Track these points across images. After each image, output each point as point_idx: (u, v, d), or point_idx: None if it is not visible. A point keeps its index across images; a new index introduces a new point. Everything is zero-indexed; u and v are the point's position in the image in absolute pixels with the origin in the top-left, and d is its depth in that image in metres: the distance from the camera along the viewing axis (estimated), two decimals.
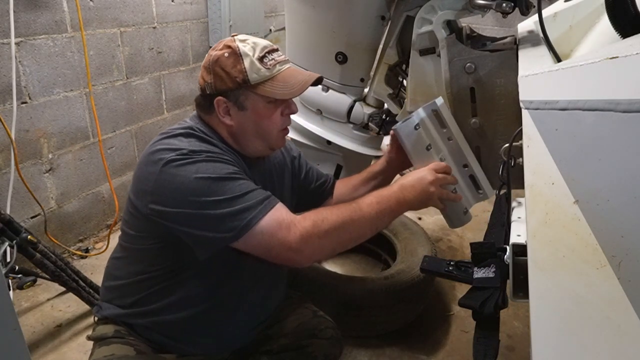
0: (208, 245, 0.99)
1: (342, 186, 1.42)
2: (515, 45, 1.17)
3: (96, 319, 1.18)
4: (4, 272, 1.20)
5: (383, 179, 1.36)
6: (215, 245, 0.99)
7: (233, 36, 1.07)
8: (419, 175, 1.08)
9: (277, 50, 1.08)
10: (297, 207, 1.36)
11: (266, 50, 1.05)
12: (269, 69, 1.04)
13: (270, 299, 1.26)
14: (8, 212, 1.87)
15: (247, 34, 1.14)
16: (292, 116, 1.60)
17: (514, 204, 1.02)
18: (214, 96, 1.05)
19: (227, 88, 1.04)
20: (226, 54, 1.03)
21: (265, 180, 1.18)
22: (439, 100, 1.14)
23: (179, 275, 1.09)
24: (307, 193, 1.35)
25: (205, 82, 1.06)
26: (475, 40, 1.31)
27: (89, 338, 1.16)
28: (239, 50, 1.02)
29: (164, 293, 1.10)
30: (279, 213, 0.98)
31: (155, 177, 0.98)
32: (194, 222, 0.97)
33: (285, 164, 1.30)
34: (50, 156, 2.20)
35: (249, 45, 1.04)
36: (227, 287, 1.14)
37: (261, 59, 1.03)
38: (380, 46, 1.52)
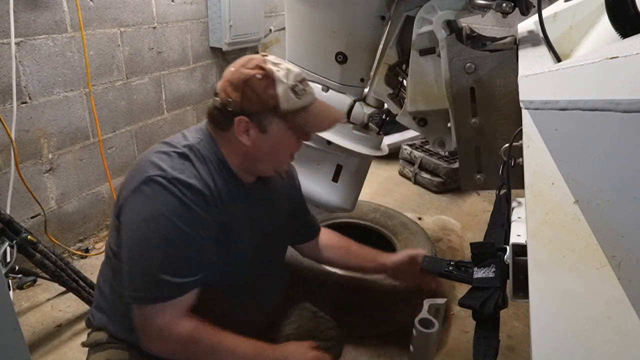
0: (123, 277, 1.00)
1: (338, 239, 1.44)
2: (515, 45, 1.17)
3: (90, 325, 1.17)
4: (4, 272, 1.20)
5: (371, 269, 1.44)
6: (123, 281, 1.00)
7: (264, 56, 1.05)
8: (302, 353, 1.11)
9: (306, 79, 1.07)
10: (289, 237, 1.38)
11: (299, 79, 1.03)
12: (299, 99, 1.02)
13: (268, 304, 1.26)
14: (8, 212, 1.87)
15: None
16: None
17: (514, 204, 1.02)
18: (236, 114, 1.02)
19: (254, 109, 1.01)
20: (258, 76, 0.99)
21: (260, 205, 1.16)
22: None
23: None
24: (300, 221, 1.37)
25: (229, 98, 1.01)
26: (475, 40, 1.31)
27: (83, 345, 1.15)
28: (273, 74, 1.00)
29: None
30: (172, 312, 0.98)
31: (133, 187, 0.98)
32: (129, 250, 0.98)
33: (288, 192, 1.30)
34: (50, 156, 2.20)
35: (283, 70, 1.01)
36: (223, 298, 1.13)
37: (294, 88, 1.01)
38: (380, 46, 1.52)
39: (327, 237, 1.44)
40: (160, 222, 0.95)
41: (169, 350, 0.99)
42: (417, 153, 3.25)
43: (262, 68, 1.00)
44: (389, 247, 2.15)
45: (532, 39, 1.15)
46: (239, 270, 1.13)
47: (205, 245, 1.01)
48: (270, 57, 1.04)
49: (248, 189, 1.12)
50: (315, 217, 1.44)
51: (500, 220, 1.07)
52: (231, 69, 1.04)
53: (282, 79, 1.00)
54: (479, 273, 0.98)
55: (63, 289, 1.81)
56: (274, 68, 1.00)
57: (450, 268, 1.10)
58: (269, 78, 0.99)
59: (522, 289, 0.83)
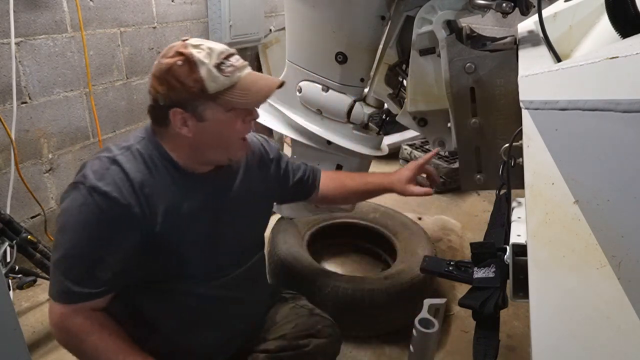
0: None
1: (332, 181, 1.43)
2: (515, 45, 1.17)
3: None
4: (4, 272, 1.21)
5: (375, 194, 1.45)
6: None
7: (184, 40, 0.99)
8: None
9: (234, 54, 1.01)
10: (282, 202, 1.40)
11: (223, 55, 0.97)
12: (227, 76, 0.96)
13: (249, 311, 1.25)
14: (8, 212, 1.87)
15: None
16: (292, 116, 1.61)
17: (514, 204, 1.02)
18: (169, 107, 0.97)
19: (183, 99, 0.96)
20: (179, 62, 0.94)
21: (226, 191, 1.14)
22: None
23: (139, 295, 1.08)
24: (287, 191, 1.35)
25: (157, 92, 0.98)
26: (475, 40, 1.31)
27: None
28: (193, 57, 0.94)
29: (132, 309, 1.09)
30: (69, 309, 1.00)
31: (64, 190, 0.99)
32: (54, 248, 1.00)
33: (261, 166, 1.25)
34: (50, 156, 2.20)
35: (204, 51, 0.95)
36: (199, 305, 1.12)
37: (219, 66, 0.96)
38: (380, 46, 1.52)
39: (322, 184, 1.42)
40: (71, 230, 0.96)
41: (61, 340, 1.02)
42: (417, 153, 3.25)
43: (181, 54, 0.95)
44: (389, 247, 2.15)
45: (532, 39, 1.15)
46: (211, 263, 1.12)
47: (118, 258, 0.98)
48: (192, 40, 0.99)
49: (204, 179, 1.08)
50: (310, 170, 1.40)
51: (500, 220, 1.07)
52: (155, 62, 1.00)
53: (204, 60, 0.94)
54: (479, 273, 0.98)
55: None
56: (194, 51, 0.95)
57: (450, 268, 1.10)
58: (189, 62, 0.94)
59: (522, 289, 0.83)
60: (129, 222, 0.97)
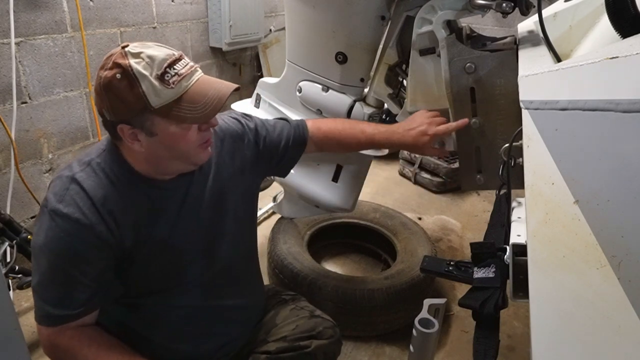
0: None
1: (328, 139, 1.34)
2: (515, 45, 1.17)
3: None
4: (4, 272, 1.21)
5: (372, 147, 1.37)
6: None
7: (123, 47, 0.89)
8: None
9: (180, 59, 0.92)
10: (279, 172, 1.36)
11: (166, 64, 0.88)
12: (172, 88, 0.88)
13: (243, 314, 1.25)
14: (8, 212, 1.87)
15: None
16: (292, 116, 1.61)
17: (514, 204, 1.02)
18: (116, 123, 0.91)
19: (127, 115, 0.89)
20: (118, 76, 0.86)
21: (203, 188, 1.09)
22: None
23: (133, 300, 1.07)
24: (276, 162, 1.29)
25: (101, 107, 0.92)
26: (475, 40, 1.31)
27: None
28: (132, 70, 0.86)
29: (121, 315, 1.09)
30: (54, 330, 0.97)
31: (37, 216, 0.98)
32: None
33: (230, 165, 1.17)
34: (50, 156, 2.20)
35: (144, 61, 0.87)
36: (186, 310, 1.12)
37: (161, 77, 0.87)
38: (380, 46, 1.52)
39: (314, 133, 1.32)
40: (41, 255, 0.94)
41: (52, 357, 1.01)
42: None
43: (119, 65, 0.87)
44: (389, 247, 2.15)
45: (532, 39, 1.15)
46: (197, 272, 1.10)
47: (92, 278, 0.96)
48: (131, 47, 0.89)
49: (174, 186, 1.04)
50: (292, 129, 1.30)
51: (500, 220, 1.07)
52: (97, 73, 0.93)
53: (144, 72, 0.86)
54: (479, 273, 0.98)
55: None
56: (133, 61, 0.87)
57: (450, 268, 1.10)
58: (129, 76, 0.86)
59: (522, 289, 0.83)
60: (95, 241, 0.94)
